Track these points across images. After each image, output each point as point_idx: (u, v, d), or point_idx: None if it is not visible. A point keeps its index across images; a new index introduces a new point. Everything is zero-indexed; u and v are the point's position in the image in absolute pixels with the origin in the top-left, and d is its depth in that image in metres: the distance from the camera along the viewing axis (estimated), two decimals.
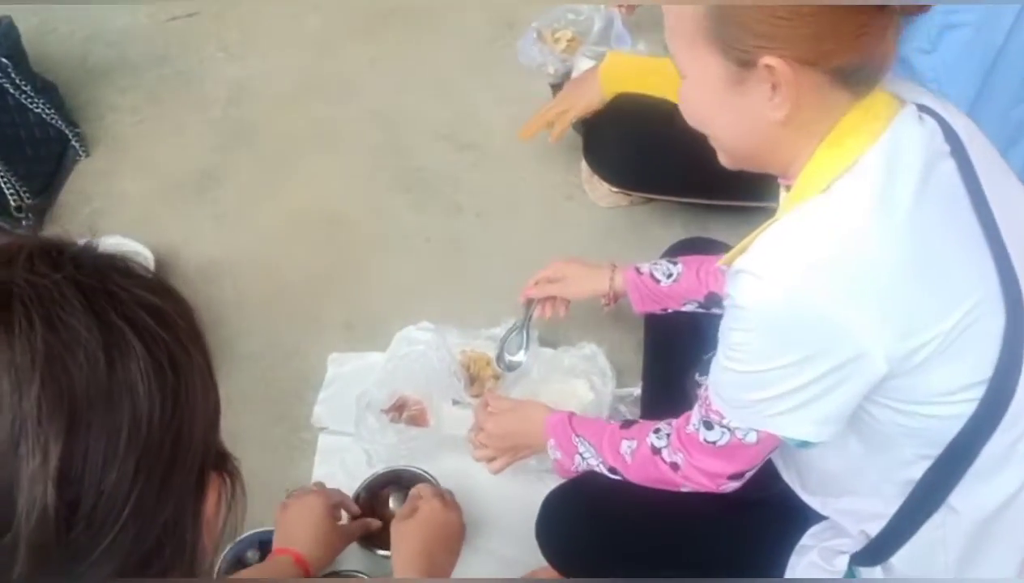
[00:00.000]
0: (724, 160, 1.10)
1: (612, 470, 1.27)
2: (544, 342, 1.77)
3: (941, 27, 1.55)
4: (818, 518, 1.20)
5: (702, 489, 1.16)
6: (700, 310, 1.47)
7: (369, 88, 2.36)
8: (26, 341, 0.55)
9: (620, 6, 2.04)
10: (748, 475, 1.13)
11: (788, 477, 1.21)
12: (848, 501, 1.13)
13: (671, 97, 1.79)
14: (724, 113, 1.01)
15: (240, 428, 1.71)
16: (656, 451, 1.19)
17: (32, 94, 2.10)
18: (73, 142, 2.20)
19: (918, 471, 1.03)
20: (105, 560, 0.56)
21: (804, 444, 1.03)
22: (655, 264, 1.52)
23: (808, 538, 1.20)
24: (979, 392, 0.96)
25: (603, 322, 1.82)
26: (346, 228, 2.07)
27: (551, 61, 2.26)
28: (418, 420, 1.70)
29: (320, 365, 1.81)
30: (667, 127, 1.80)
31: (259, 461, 1.66)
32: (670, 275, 1.49)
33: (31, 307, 0.55)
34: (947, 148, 0.98)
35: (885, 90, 0.98)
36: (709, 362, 1.39)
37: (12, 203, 2.01)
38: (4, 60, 2.05)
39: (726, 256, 1.03)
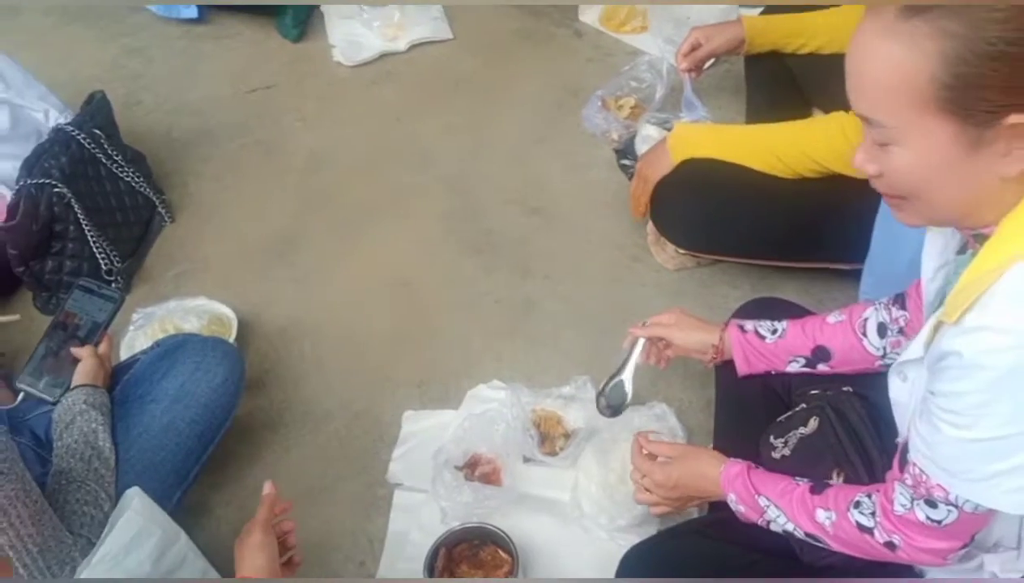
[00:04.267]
0: (913, 220, 1.04)
1: (811, 537, 1.23)
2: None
3: None
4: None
5: (926, 564, 1.13)
6: (806, 369, 1.46)
7: (441, 155, 2.45)
8: None
9: (689, 71, 2.10)
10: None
11: None
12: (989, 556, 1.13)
13: (736, 159, 1.86)
14: (949, 177, 0.96)
15: (319, 484, 1.76)
16: (865, 530, 1.15)
17: (123, 164, 2.21)
18: (160, 209, 2.30)
19: None
20: None
21: None
22: (758, 323, 1.51)
23: None
24: None
25: (672, 382, 1.85)
26: (418, 290, 2.13)
27: (615, 127, 2.34)
28: (491, 477, 1.73)
29: (394, 423, 1.86)
30: (732, 189, 1.87)
31: (337, 516, 1.71)
32: (775, 331, 1.49)
33: None
34: None
35: None
36: (783, 424, 1.42)
37: (103, 266, 2.10)
38: (98, 132, 2.16)
39: (946, 311, 0.98)
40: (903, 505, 1.08)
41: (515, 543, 1.56)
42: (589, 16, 2.74)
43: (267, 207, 2.35)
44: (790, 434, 1.38)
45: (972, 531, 1.06)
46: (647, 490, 1.46)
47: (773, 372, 1.50)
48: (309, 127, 2.56)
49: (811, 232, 1.83)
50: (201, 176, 2.44)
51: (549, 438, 1.77)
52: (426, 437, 1.82)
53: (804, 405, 1.43)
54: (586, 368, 1.86)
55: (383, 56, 2.73)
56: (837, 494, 1.20)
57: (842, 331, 1.43)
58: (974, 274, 0.95)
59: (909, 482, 1.06)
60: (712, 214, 1.89)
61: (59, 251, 2.07)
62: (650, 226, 2.07)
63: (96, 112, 2.21)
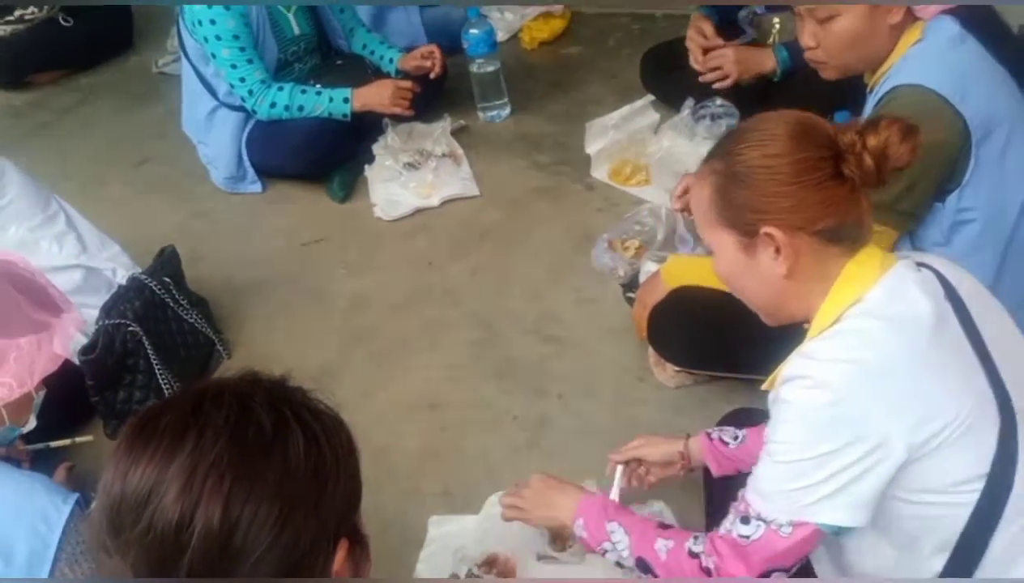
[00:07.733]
0: (764, 318, 1.39)
1: (640, 562, 1.42)
2: None
3: (953, 222, 1.80)
4: None
5: None
6: None
7: (468, 294, 2.73)
8: (222, 414, 0.88)
9: (681, 211, 2.37)
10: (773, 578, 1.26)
11: None
12: None
13: (721, 285, 2.09)
14: (746, 276, 1.32)
15: None
16: (694, 555, 1.33)
17: (188, 308, 2.52)
18: (218, 346, 2.60)
19: (938, 564, 1.21)
20: (259, 566, 0.85)
21: (838, 531, 1.20)
22: (722, 431, 1.76)
23: None
24: (981, 484, 1.16)
25: (671, 484, 2.02)
26: (446, 411, 2.37)
27: (621, 265, 2.60)
28: (509, 575, 1.90)
29: (421, 528, 2.05)
30: (718, 312, 2.09)
31: None
32: (736, 437, 1.73)
33: (231, 395, 0.91)
34: (942, 291, 1.25)
35: (879, 248, 1.28)
36: None
37: (167, 395, 2.37)
38: (167, 280, 2.49)
39: (770, 379, 1.30)
40: (727, 528, 1.28)
41: None
42: (600, 173, 3.05)
43: (313, 344, 2.63)
44: None
45: (774, 555, 1.22)
46: (517, 494, 1.72)
47: (744, 471, 1.69)
48: (352, 274, 2.88)
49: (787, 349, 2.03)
50: (255, 319, 2.74)
51: (560, 535, 1.94)
52: (450, 539, 2.00)
53: None
54: (593, 474, 2.05)
55: (418, 211, 3.06)
56: (680, 532, 1.42)
57: None
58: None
59: (735, 507, 1.28)
60: (701, 334, 2.12)
61: (130, 383, 2.36)
62: (651, 348, 2.30)
63: (166, 263, 2.55)
